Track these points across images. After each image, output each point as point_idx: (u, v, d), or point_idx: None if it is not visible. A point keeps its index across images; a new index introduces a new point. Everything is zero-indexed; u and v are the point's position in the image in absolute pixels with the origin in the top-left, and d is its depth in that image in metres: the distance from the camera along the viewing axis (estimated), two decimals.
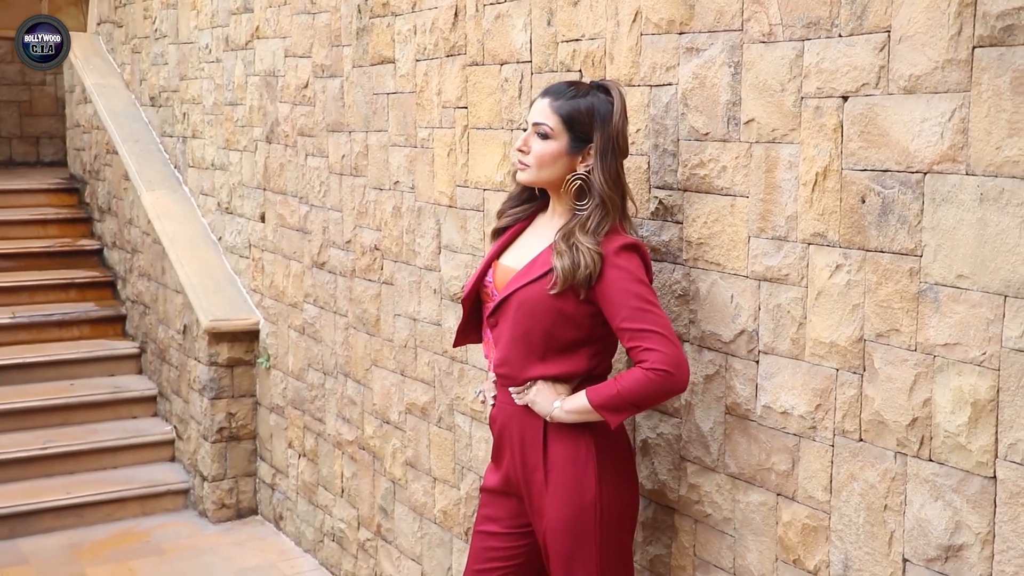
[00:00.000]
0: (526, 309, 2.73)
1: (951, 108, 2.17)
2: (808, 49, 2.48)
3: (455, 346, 3.13)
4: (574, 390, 2.76)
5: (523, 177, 2.80)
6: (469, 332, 3.06)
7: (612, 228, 2.70)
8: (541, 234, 2.87)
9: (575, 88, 2.76)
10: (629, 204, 2.81)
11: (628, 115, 2.83)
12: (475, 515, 3.15)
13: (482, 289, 2.94)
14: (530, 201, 2.94)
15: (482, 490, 3.01)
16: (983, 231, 2.13)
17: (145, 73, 7.30)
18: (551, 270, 2.70)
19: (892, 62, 2.29)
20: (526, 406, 2.80)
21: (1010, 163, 2.07)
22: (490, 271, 2.92)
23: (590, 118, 2.72)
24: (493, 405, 2.93)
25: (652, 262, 2.92)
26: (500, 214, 3.01)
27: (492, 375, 2.93)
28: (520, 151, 2.77)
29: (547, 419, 2.75)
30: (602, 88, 2.77)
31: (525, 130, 2.81)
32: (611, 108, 2.73)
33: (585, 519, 2.75)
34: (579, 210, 2.74)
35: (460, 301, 2.97)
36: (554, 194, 2.83)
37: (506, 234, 2.97)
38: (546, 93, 2.77)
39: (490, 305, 2.88)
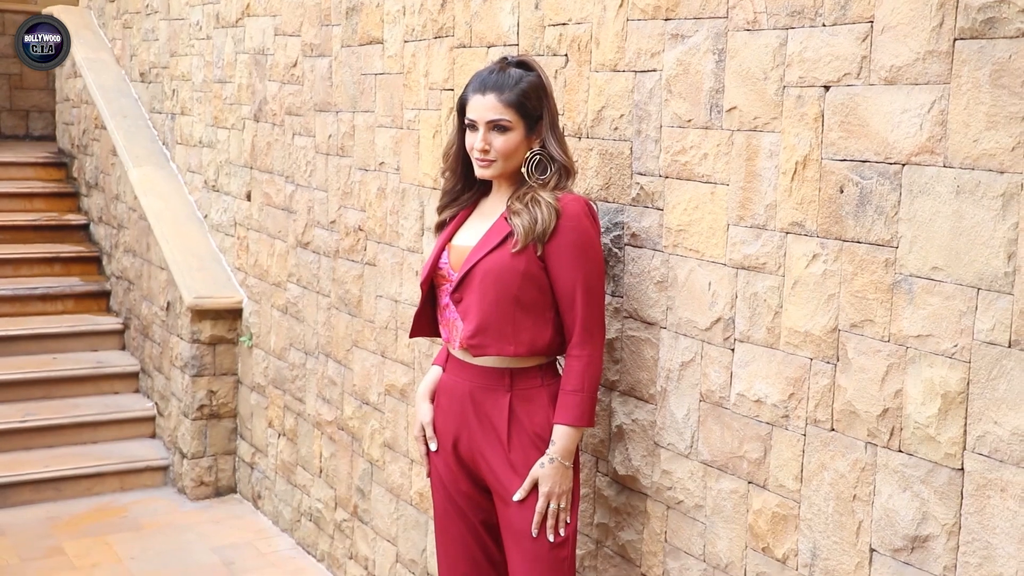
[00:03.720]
0: (492, 276, 2.78)
1: (931, 100, 2.18)
2: (792, 38, 2.48)
3: (411, 337, 3.11)
4: (539, 376, 2.85)
5: (488, 173, 2.85)
6: (424, 320, 3.04)
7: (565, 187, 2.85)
8: (489, 212, 2.93)
9: (505, 74, 2.80)
10: None
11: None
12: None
13: (437, 273, 2.95)
14: (466, 191, 2.99)
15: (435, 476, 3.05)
16: (958, 223, 2.13)
17: (136, 48, 7.27)
18: (510, 234, 2.77)
19: (874, 52, 2.29)
20: (488, 380, 2.85)
21: (987, 156, 2.07)
22: (444, 254, 2.94)
23: (538, 98, 2.82)
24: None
25: (631, 248, 2.97)
26: (441, 209, 3.04)
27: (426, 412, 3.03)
28: (483, 151, 2.80)
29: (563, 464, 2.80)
30: (521, 65, 2.85)
31: (472, 127, 2.83)
32: (543, 80, 2.85)
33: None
34: (540, 181, 2.82)
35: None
36: (501, 177, 2.88)
37: (452, 222, 3.00)
38: (485, 89, 2.80)
39: (447, 287, 2.90)
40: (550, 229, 2.75)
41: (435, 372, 3.08)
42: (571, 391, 2.80)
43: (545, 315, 2.84)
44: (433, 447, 3.01)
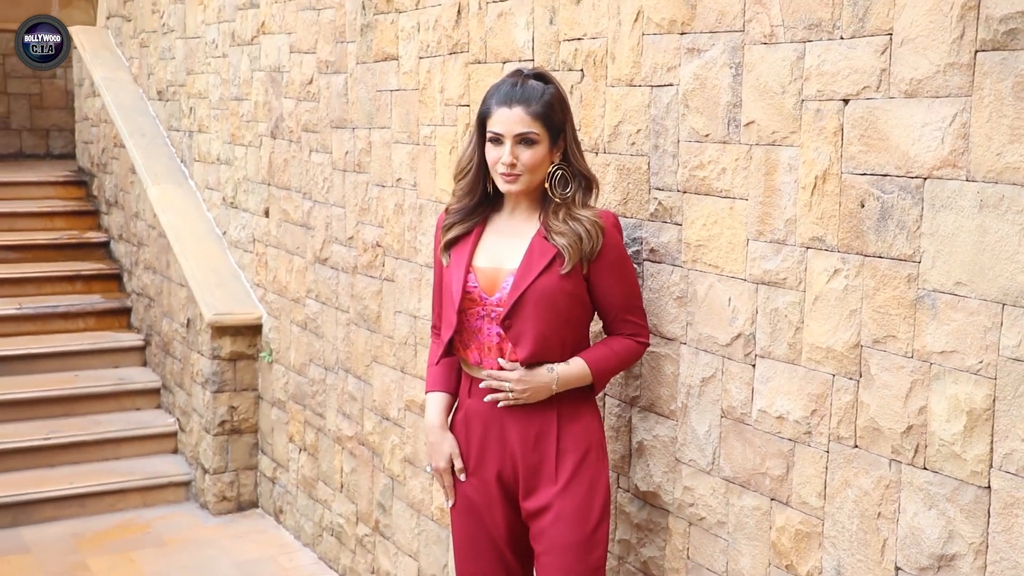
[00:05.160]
0: (546, 300, 2.76)
1: (952, 113, 2.15)
2: (809, 51, 2.45)
3: (438, 362, 3.00)
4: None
5: (514, 188, 2.79)
6: (450, 345, 2.94)
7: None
8: (511, 231, 2.87)
9: (528, 87, 2.77)
10: None
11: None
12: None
13: (466, 297, 2.86)
14: (479, 206, 2.91)
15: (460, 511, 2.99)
16: (982, 238, 2.10)
17: (153, 67, 7.30)
18: (556, 255, 2.75)
19: (893, 65, 2.26)
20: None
21: (1011, 169, 2.04)
22: (471, 276, 2.86)
23: (562, 110, 2.81)
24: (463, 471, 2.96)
25: (649, 263, 2.96)
26: (449, 227, 2.93)
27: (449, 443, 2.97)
28: (511, 165, 2.75)
29: (553, 388, 2.80)
30: (539, 77, 2.81)
31: (496, 141, 2.77)
32: (562, 92, 2.84)
33: (597, 509, 2.83)
34: (563, 197, 2.79)
35: (455, 313, 2.88)
36: (521, 193, 2.83)
37: (467, 242, 2.90)
38: (512, 101, 2.75)
39: (478, 310, 2.84)
40: (598, 247, 2.75)
41: (442, 400, 3.01)
42: (610, 349, 2.85)
43: (584, 330, 2.89)
44: (463, 478, 2.94)
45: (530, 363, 2.79)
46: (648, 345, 2.91)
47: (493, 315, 2.82)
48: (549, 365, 2.79)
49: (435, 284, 3.09)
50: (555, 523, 2.80)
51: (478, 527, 2.94)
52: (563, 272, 2.75)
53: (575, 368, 2.81)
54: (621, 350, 2.86)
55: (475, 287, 2.85)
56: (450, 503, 3.00)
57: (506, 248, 2.85)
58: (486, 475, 2.90)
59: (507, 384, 2.80)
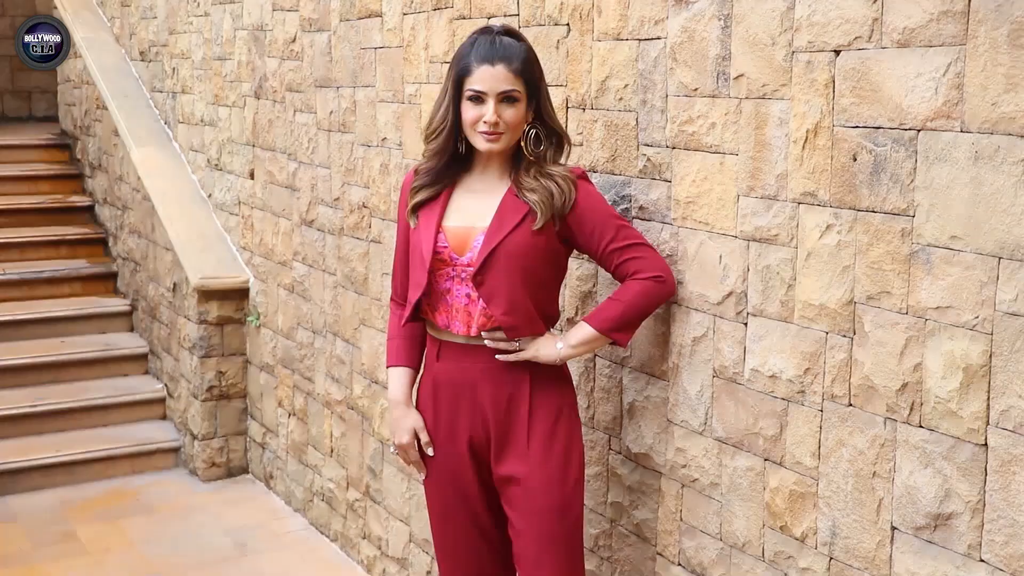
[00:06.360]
0: (517, 256, 2.72)
1: (946, 62, 2.09)
2: (800, 1, 2.39)
3: (405, 323, 2.94)
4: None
5: (497, 146, 2.73)
6: (416, 307, 2.89)
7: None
8: (482, 190, 2.82)
9: (507, 44, 2.71)
10: None
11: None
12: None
13: (435, 258, 2.80)
14: (449, 167, 2.83)
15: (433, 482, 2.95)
16: (977, 190, 2.05)
17: (135, 27, 7.18)
18: (528, 212, 2.72)
19: (885, 14, 2.20)
20: (503, 363, 2.79)
21: (1006, 119, 1.99)
22: (441, 237, 2.80)
23: (537, 67, 2.78)
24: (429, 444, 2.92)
25: (639, 221, 2.92)
26: (418, 189, 2.86)
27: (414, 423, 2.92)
28: (495, 123, 2.69)
29: (556, 360, 2.78)
30: (509, 33, 2.77)
31: (476, 100, 2.70)
32: (531, 48, 2.79)
33: (573, 470, 2.81)
34: (535, 155, 2.76)
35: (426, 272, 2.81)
36: (494, 152, 2.77)
37: (435, 204, 2.84)
38: (494, 59, 2.68)
39: (447, 271, 2.79)
40: (571, 202, 2.72)
41: (405, 375, 2.97)
42: (614, 299, 2.76)
43: (556, 290, 2.87)
44: (431, 452, 2.90)
45: (513, 326, 2.76)
46: (663, 279, 2.73)
47: (463, 276, 2.77)
48: (556, 339, 2.79)
49: (398, 249, 3.01)
50: (531, 488, 2.77)
51: (452, 495, 2.90)
52: (535, 228, 2.71)
53: (576, 325, 2.80)
54: (629, 294, 2.73)
55: (445, 247, 2.79)
56: (422, 476, 2.96)
57: (477, 207, 2.80)
58: (458, 442, 2.86)
59: (511, 344, 2.79)
